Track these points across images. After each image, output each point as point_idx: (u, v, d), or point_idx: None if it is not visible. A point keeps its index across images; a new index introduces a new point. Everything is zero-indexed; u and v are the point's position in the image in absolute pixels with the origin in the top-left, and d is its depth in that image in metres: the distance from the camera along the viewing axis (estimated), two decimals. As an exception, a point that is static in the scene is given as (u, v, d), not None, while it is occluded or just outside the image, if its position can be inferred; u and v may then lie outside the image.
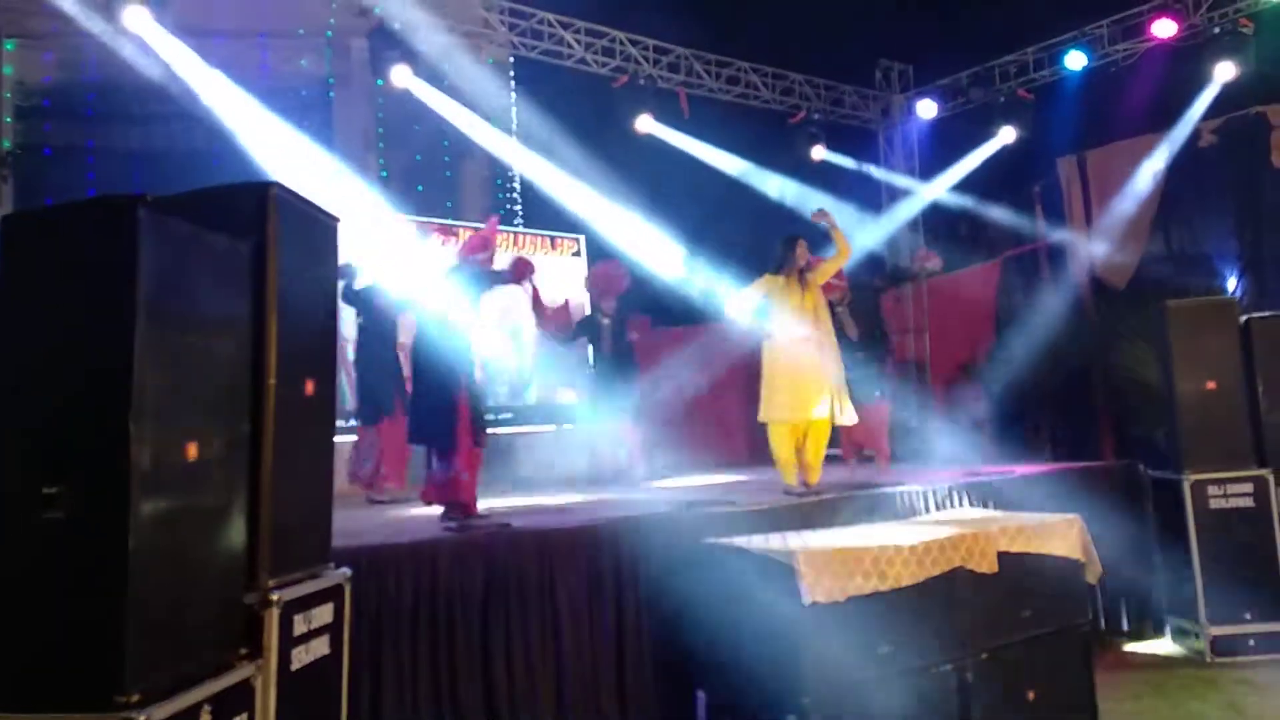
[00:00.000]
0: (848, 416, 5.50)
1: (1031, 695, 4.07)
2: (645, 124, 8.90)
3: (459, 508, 4.67)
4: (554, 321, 5.86)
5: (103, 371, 1.98)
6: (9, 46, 7.88)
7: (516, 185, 9.82)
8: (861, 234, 9.57)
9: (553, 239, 9.39)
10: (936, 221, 10.44)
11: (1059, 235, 9.50)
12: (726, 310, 5.73)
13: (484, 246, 5.32)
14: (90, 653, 1.90)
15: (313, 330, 2.80)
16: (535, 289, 5.63)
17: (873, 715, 3.56)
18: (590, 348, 7.48)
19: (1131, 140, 8.90)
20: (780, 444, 5.44)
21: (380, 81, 8.25)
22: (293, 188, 2.72)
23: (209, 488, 2.20)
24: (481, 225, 6.55)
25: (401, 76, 7.85)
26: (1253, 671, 5.25)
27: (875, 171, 10.57)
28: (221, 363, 2.31)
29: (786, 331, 5.45)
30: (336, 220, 3.00)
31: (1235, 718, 4.56)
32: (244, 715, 2.22)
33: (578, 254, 9.47)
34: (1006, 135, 9.41)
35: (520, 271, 5.37)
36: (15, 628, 1.95)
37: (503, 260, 5.68)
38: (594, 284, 7.47)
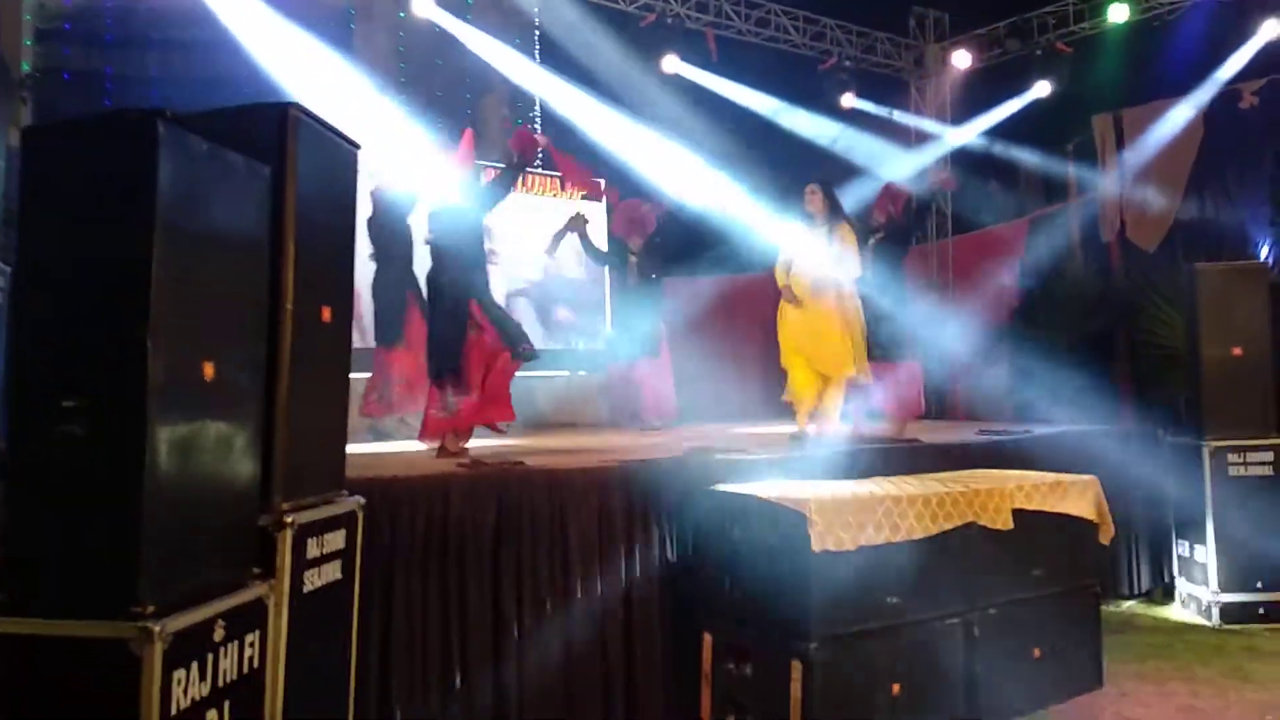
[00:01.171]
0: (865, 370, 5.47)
1: (1037, 653, 4.08)
2: (672, 64, 8.73)
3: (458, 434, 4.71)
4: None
5: (120, 286, 1.96)
6: (29, -32, 7.78)
7: (538, 124, 9.69)
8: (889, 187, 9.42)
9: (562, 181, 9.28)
10: (966, 175, 10.24)
11: (1090, 194, 9.31)
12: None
13: (466, 159, 5.23)
14: (107, 563, 1.91)
15: (330, 255, 2.78)
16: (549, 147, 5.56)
17: (878, 664, 3.58)
18: (611, 283, 7.45)
19: (1170, 99, 8.66)
20: (801, 386, 5.42)
21: (402, 14, 8.11)
22: (313, 110, 2.67)
23: (225, 408, 2.19)
24: (498, 165, 6.48)
25: (424, 7, 7.71)
26: (1260, 639, 5.25)
27: (905, 118, 10.35)
28: (239, 284, 2.29)
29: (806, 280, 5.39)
30: (357, 146, 2.95)
31: (1240, 683, 4.57)
32: (256, 632, 2.24)
33: (589, 197, 9.36)
34: (1042, 89, 9.18)
35: (523, 145, 5.32)
36: (34, 537, 1.97)
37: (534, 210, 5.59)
38: (621, 220, 7.44)
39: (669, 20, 8.69)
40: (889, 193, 6.38)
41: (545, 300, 9.12)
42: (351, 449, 3.01)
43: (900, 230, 6.20)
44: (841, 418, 5.59)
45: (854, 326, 5.48)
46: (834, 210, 5.56)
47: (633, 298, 7.20)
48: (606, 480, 4.09)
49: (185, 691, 1.96)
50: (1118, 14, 8.68)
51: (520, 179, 5.29)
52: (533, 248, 8.25)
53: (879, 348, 5.76)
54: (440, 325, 4.91)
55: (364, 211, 6.55)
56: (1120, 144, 9.09)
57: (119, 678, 1.85)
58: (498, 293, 5.74)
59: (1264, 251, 8.03)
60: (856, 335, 5.49)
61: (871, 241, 5.98)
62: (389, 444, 6.08)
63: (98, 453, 1.93)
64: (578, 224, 6.68)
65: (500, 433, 5.40)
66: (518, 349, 4.90)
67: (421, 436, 5.09)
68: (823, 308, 5.43)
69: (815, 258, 5.47)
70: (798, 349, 5.50)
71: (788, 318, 5.58)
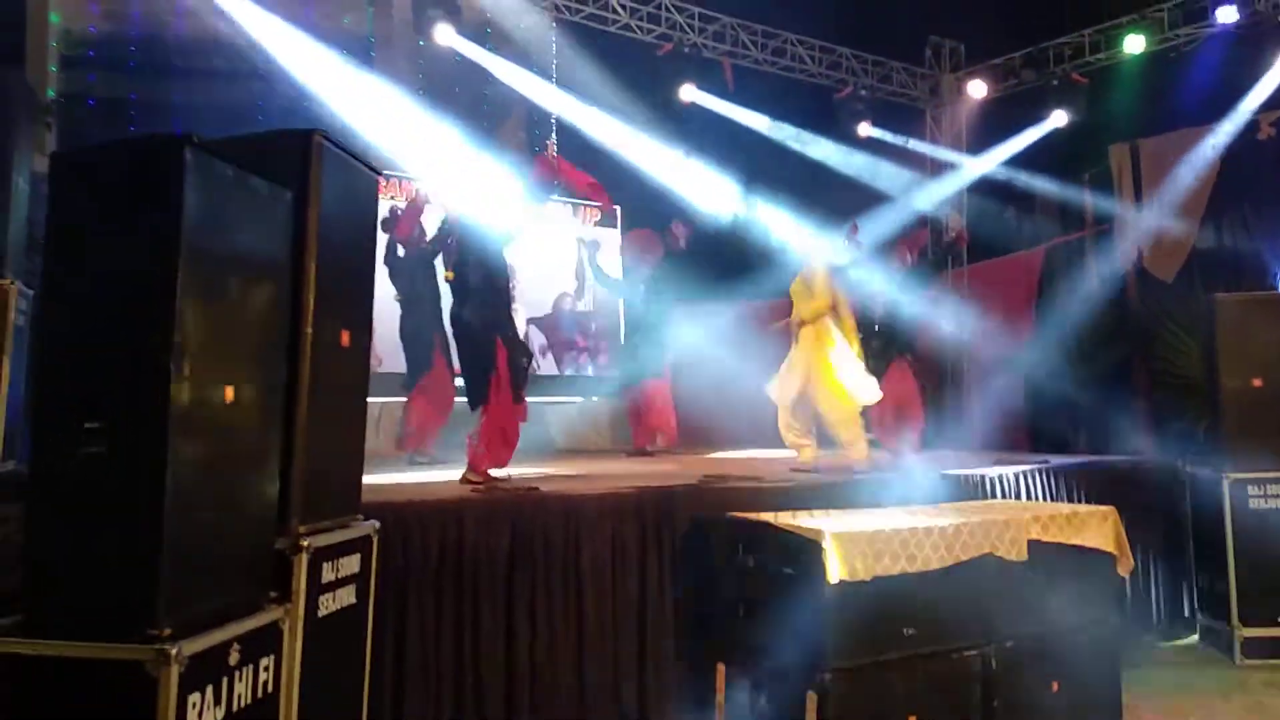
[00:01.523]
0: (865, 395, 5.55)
1: (1055, 686, 4.02)
2: (689, 93, 8.80)
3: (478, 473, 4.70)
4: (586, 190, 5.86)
5: (145, 310, 1.99)
6: (56, -7, 7.93)
7: (555, 151, 9.76)
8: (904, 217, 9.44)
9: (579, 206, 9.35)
10: (983, 205, 10.25)
11: (1107, 224, 9.30)
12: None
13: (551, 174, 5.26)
14: (125, 586, 1.92)
15: (351, 281, 2.81)
16: (568, 169, 5.51)
17: (894, 696, 3.54)
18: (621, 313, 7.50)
19: (1187, 130, 8.65)
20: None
21: (422, 41, 8.22)
22: (336, 138, 2.71)
23: (245, 431, 2.21)
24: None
25: (445, 35, 7.82)
26: (1282, 675, 5.16)
27: (920, 147, 10.38)
28: (260, 308, 2.31)
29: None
30: (379, 173, 2.99)
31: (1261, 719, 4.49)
32: (271, 656, 2.24)
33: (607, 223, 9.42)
34: (1058, 119, 9.20)
35: (545, 173, 5.23)
36: (54, 558, 1.98)
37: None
38: (631, 249, 7.51)
39: (686, 49, 8.77)
40: (908, 241, 6.53)
41: (556, 329, 9.17)
42: (382, 478, 3.01)
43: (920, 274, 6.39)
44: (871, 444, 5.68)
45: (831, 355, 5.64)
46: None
47: (643, 322, 7.25)
48: (621, 507, 4.08)
49: (200, 715, 1.96)
50: (1134, 45, 8.71)
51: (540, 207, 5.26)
52: (544, 274, 8.31)
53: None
54: (471, 360, 4.88)
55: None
56: (1137, 174, 9.08)
57: (135, 700, 1.86)
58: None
59: (1282, 282, 7.98)
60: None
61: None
62: (421, 472, 6.10)
63: (118, 475, 1.95)
64: (591, 248, 6.74)
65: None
66: (518, 395, 4.89)
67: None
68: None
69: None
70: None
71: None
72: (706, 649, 3.96)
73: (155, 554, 1.90)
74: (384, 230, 6.55)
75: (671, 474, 5.27)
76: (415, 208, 6.62)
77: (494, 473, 4.70)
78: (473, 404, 4.90)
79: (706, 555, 4.06)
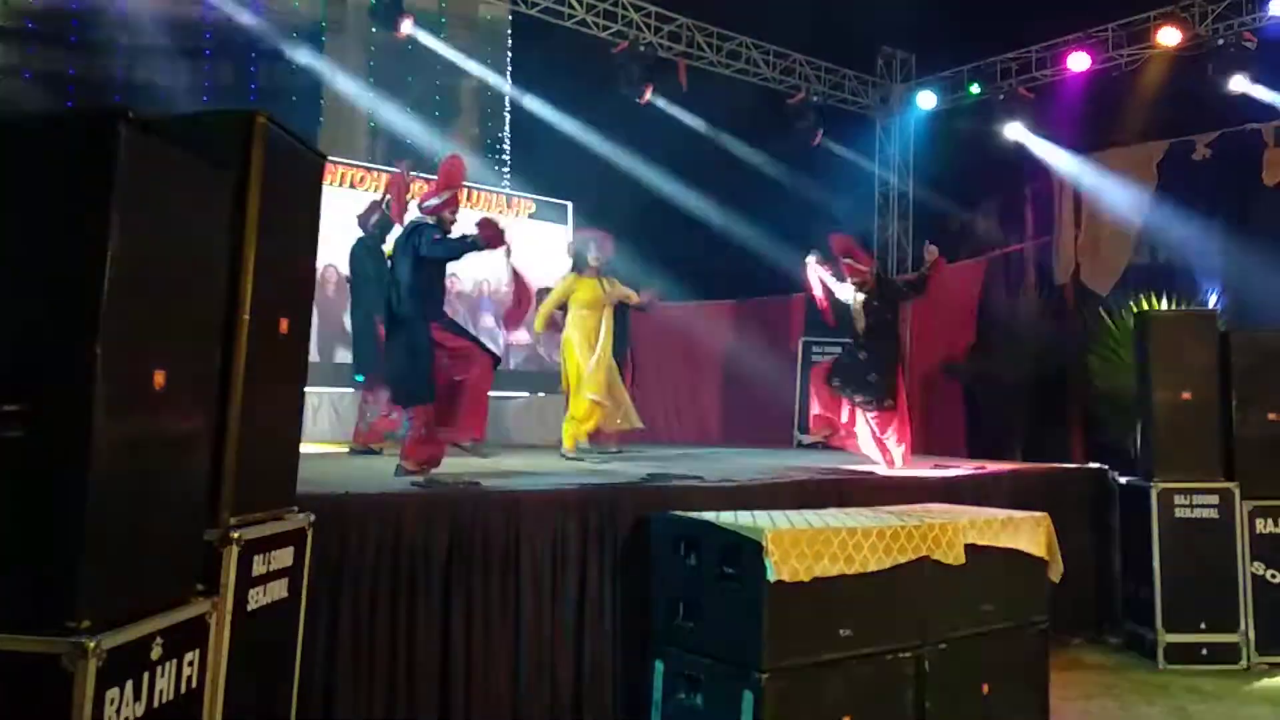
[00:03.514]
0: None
1: (986, 689, 4.10)
2: (643, 91, 8.79)
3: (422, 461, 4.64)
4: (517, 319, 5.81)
5: (72, 290, 1.91)
6: (-5, -37, 7.67)
7: (507, 144, 9.70)
8: (851, 224, 9.56)
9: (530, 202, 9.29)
10: (926, 215, 10.43)
11: (1046, 237, 9.51)
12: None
13: (446, 184, 5.01)
14: (43, 576, 1.84)
15: (291, 267, 2.73)
16: (518, 276, 5.34)
17: (830, 697, 3.57)
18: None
19: (1127, 147, 8.90)
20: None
21: (375, 29, 8.11)
22: (280, 120, 2.64)
23: (174, 418, 2.14)
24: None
25: (405, 26, 7.73)
26: (1203, 680, 5.32)
27: (869, 164, 10.54)
28: (195, 292, 2.24)
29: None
30: (323, 157, 2.92)
31: (1182, 723, 4.62)
32: (196, 651, 2.17)
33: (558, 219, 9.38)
34: (1003, 133, 9.39)
35: (489, 235, 4.89)
36: (-35, 546, 1.89)
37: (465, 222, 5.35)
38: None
39: (641, 48, 8.76)
40: (844, 246, 6.50)
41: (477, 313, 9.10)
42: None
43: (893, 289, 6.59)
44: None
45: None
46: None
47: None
48: (563, 503, 4.05)
49: (119, 711, 1.89)
50: (1078, 62, 8.92)
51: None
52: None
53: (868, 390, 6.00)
54: (400, 357, 4.80)
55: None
56: (1077, 189, 9.32)
57: (49, 695, 1.78)
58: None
59: (1213, 299, 8.25)
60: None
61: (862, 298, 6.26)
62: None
63: (38, 459, 1.87)
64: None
65: (465, 450, 5.28)
66: (487, 349, 4.86)
67: (402, 468, 4.91)
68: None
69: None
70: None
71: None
72: (646, 647, 3.96)
73: (75, 543, 1.82)
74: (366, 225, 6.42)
75: (616, 472, 5.25)
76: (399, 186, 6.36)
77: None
78: (402, 401, 4.83)
79: (648, 553, 4.06)
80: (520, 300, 5.45)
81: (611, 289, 6.59)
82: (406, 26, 7.74)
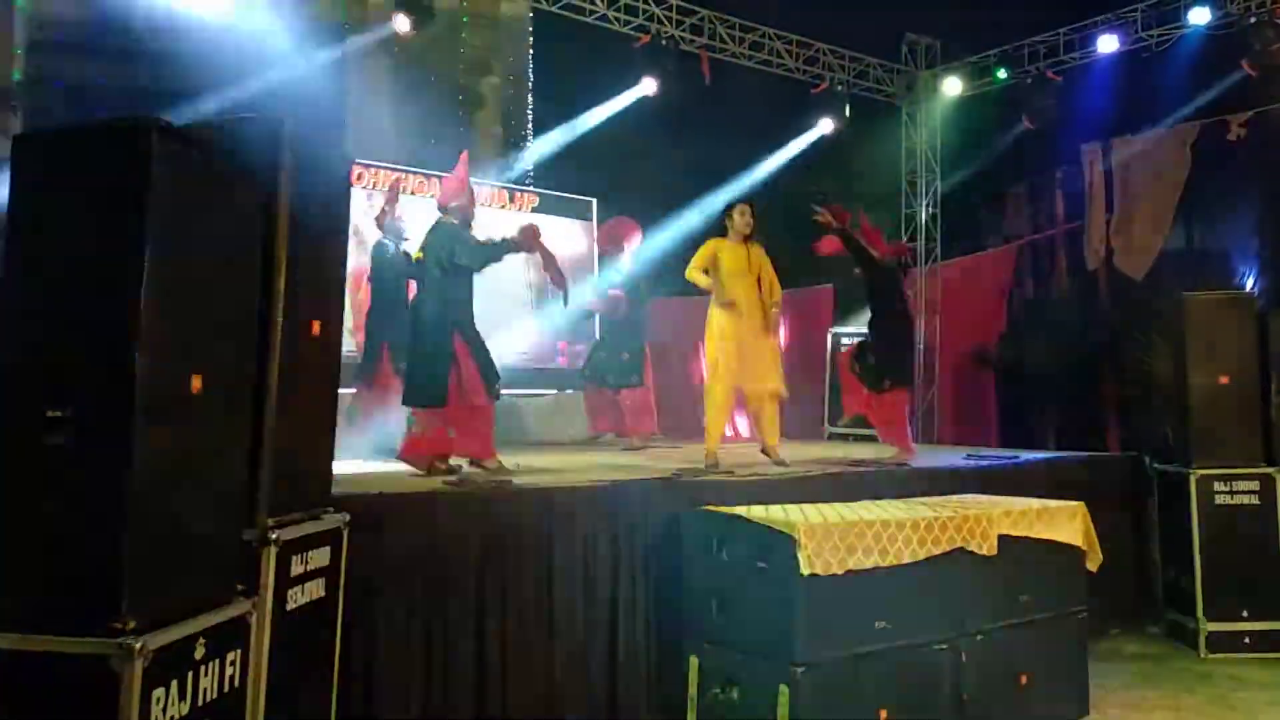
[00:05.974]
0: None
1: (1024, 679, 4.07)
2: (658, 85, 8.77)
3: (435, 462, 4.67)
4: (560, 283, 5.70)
5: (110, 298, 1.94)
6: (23, -26, 7.79)
7: (529, 141, 9.72)
8: (879, 211, 9.48)
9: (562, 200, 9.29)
10: (955, 202, 10.32)
11: (1078, 222, 9.39)
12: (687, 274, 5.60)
13: (459, 189, 5.06)
14: (89, 578, 1.88)
15: (322, 270, 2.76)
16: (546, 253, 5.30)
17: (866, 689, 3.56)
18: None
19: (1159, 130, 8.76)
20: (716, 409, 5.43)
21: (396, 32, 8.14)
22: (308, 124, 2.67)
23: (212, 422, 2.17)
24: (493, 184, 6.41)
25: (401, 24, 7.76)
26: (1245, 669, 5.24)
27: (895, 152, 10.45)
28: (229, 296, 2.27)
29: (725, 295, 5.37)
30: (350, 160, 2.95)
31: (1225, 712, 4.56)
32: (238, 650, 2.21)
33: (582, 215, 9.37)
34: (1031, 117, 9.26)
35: (527, 239, 5.02)
36: (16, 551, 1.93)
37: (507, 227, 5.34)
38: (604, 241, 7.47)
39: (663, 42, 8.74)
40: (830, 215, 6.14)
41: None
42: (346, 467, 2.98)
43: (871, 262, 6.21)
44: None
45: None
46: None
47: (617, 326, 7.20)
48: (594, 500, 4.06)
49: (164, 710, 1.93)
50: (1106, 44, 8.78)
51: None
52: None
53: (871, 374, 5.89)
54: (419, 358, 4.81)
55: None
56: (1108, 172, 9.18)
57: (98, 695, 1.82)
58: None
59: (1249, 282, 8.11)
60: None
61: (856, 271, 6.11)
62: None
63: (82, 465, 1.91)
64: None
65: (487, 470, 5.24)
66: (492, 389, 4.84)
67: (401, 455, 4.95)
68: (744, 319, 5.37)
69: (739, 271, 5.42)
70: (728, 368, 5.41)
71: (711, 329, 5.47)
72: (680, 642, 3.96)
73: (119, 546, 1.86)
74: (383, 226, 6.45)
75: (647, 467, 5.25)
76: (391, 194, 6.46)
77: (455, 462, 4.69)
78: (413, 401, 4.82)
79: (680, 549, 4.06)
80: (558, 283, 5.48)
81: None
82: (401, 24, 7.69)
